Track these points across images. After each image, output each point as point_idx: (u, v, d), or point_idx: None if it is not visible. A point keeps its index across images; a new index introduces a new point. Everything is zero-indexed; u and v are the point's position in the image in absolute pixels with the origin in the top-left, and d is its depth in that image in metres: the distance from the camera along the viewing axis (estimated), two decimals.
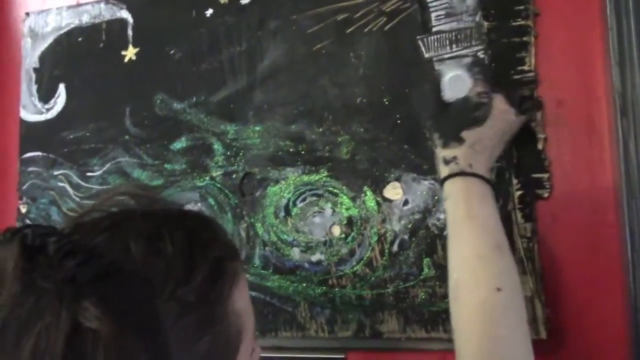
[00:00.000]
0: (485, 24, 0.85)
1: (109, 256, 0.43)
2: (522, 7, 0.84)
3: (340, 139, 0.90)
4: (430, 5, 0.88)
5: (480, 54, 0.85)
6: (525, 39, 0.84)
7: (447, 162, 0.74)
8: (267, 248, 0.92)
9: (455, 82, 0.76)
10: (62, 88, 1.07)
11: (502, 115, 0.75)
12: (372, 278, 0.87)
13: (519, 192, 0.82)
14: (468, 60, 0.82)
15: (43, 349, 0.39)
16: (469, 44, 0.85)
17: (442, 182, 0.74)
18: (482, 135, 0.74)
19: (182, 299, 0.44)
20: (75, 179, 1.05)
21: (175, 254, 0.46)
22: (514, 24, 0.84)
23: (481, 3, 0.85)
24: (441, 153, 0.75)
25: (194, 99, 0.98)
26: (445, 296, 0.82)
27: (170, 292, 0.44)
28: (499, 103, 0.76)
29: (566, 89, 0.82)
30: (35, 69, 1.10)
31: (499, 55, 0.84)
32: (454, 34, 0.86)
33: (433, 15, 0.88)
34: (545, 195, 0.81)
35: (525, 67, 0.83)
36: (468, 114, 0.75)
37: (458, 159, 0.73)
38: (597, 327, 0.79)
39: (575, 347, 0.80)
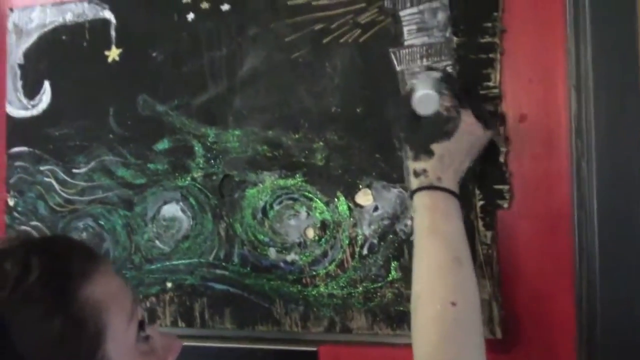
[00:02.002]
0: (455, 39, 0.89)
1: None
2: (489, 25, 0.88)
3: (315, 146, 0.95)
4: (403, 19, 0.91)
5: (449, 69, 0.89)
6: (491, 55, 0.88)
7: (417, 174, 0.78)
8: (245, 247, 0.98)
9: (425, 100, 0.79)
10: (47, 85, 1.10)
11: (470, 129, 0.79)
12: (343, 278, 0.93)
13: (480, 202, 0.87)
14: (437, 74, 0.85)
15: None
16: (438, 58, 0.90)
17: (411, 194, 0.79)
18: (451, 148, 0.78)
19: (22, 296, 0.56)
20: (62, 175, 1.09)
21: (13, 268, 0.57)
22: (481, 40, 0.88)
23: (451, 19, 0.89)
24: (412, 165, 0.80)
25: (176, 102, 1.02)
26: (409, 297, 0.88)
27: (8, 293, 0.55)
28: (467, 117, 0.80)
29: (528, 105, 0.87)
30: (20, 65, 1.13)
31: (467, 70, 0.88)
32: (424, 48, 0.90)
33: (405, 29, 0.91)
34: (505, 205, 0.87)
35: (491, 83, 0.88)
36: (437, 127, 0.79)
37: (427, 171, 0.77)
38: (548, 327, 0.86)
39: (529, 345, 0.86)
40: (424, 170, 0.78)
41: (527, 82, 0.88)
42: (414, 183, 0.80)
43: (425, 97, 0.79)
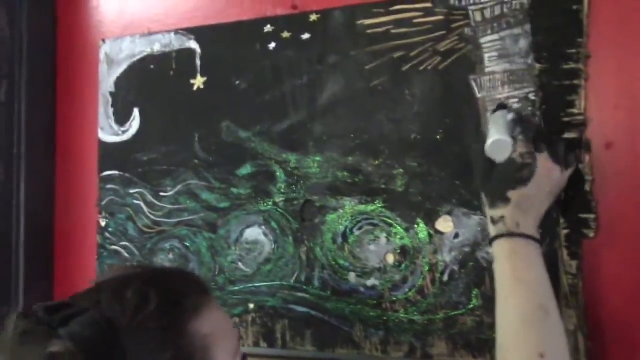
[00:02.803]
0: (538, 66, 0.88)
1: (81, 306, 0.59)
2: (574, 51, 0.87)
3: (395, 172, 0.96)
4: (483, 46, 0.91)
5: (532, 96, 0.88)
6: (575, 82, 0.87)
7: (494, 222, 0.78)
8: (325, 271, 1.00)
9: (498, 146, 0.79)
10: (136, 112, 1.16)
11: (548, 174, 0.78)
12: (424, 304, 0.93)
13: (565, 231, 0.86)
14: (511, 116, 0.84)
15: None
16: (520, 85, 0.89)
17: (490, 242, 0.79)
18: (528, 194, 0.77)
19: (139, 326, 0.59)
20: (150, 197, 1.14)
21: (133, 295, 0.60)
22: (565, 67, 0.87)
23: (534, 45, 0.88)
24: (489, 213, 0.80)
25: (258, 128, 1.05)
26: (492, 325, 0.88)
27: (128, 322, 0.58)
28: (544, 162, 0.78)
29: (615, 132, 0.85)
30: (111, 93, 1.19)
31: (550, 97, 0.87)
32: (506, 75, 0.90)
33: (486, 56, 0.91)
34: (591, 235, 0.85)
35: (575, 110, 0.86)
36: (513, 175, 0.78)
37: (505, 218, 0.77)
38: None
39: None
40: (502, 217, 0.77)
41: (613, 109, 0.86)
42: (492, 230, 0.79)
43: (498, 144, 0.78)
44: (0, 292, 1.20)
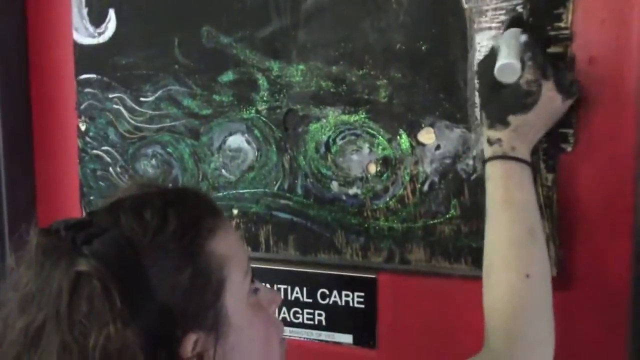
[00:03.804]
0: None
1: (101, 225, 0.61)
2: None
3: (379, 83, 0.95)
4: None
5: (519, 8, 0.87)
6: None
7: (491, 142, 0.79)
8: (308, 180, 1.02)
9: (507, 69, 0.77)
10: (112, 13, 1.12)
11: (550, 102, 0.79)
12: (404, 213, 0.97)
13: (544, 145, 0.88)
14: (523, 38, 0.81)
15: (59, 297, 0.57)
16: None
17: (484, 162, 0.81)
18: (528, 120, 0.78)
19: (159, 246, 0.60)
20: (130, 102, 1.12)
21: (152, 216, 0.62)
22: None
23: None
24: (486, 133, 0.81)
25: (240, 34, 1.02)
26: (468, 234, 0.92)
27: (148, 242, 0.60)
28: (548, 91, 0.78)
29: (599, 48, 0.85)
30: None
31: (537, 10, 0.86)
32: None
33: None
34: (569, 149, 0.88)
35: (562, 24, 0.85)
36: (517, 100, 0.78)
37: (502, 141, 0.78)
38: (603, 269, 0.89)
39: (583, 285, 0.90)
40: (499, 140, 0.79)
41: (600, 23, 0.85)
42: (488, 151, 0.80)
43: (507, 67, 0.77)
44: None
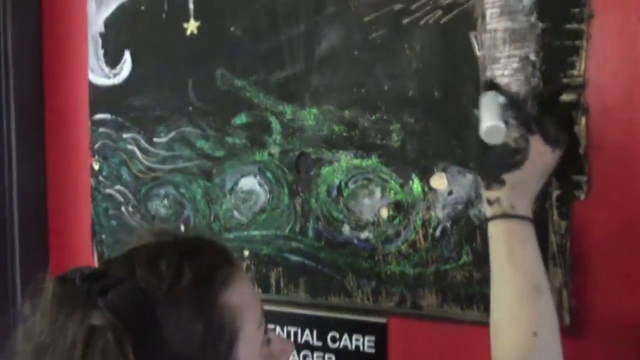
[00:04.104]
0: (540, 24, 0.87)
1: (117, 276, 0.62)
2: (577, 10, 0.85)
3: (391, 128, 0.96)
4: (486, 1, 0.89)
5: (532, 56, 0.88)
6: (577, 42, 0.86)
7: (490, 202, 0.80)
8: (320, 223, 1.02)
9: (491, 132, 0.78)
10: (127, 55, 1.14)
11: (540, 155, 0.80)
12: (415, 258, 0.96)
13: (557, 192, 0.88)
14: (502, 100, 0.83)
15: (73, 348, 0.57)
16: (521, 44, 0.88)
17: (486, 221, 0.81)
18: (523, 176, 0.79)
19: (173, 299, 0.61)
20: (143, 143, 1.13)
21: (168, 268, 0.62)
22: (568, 26, 0.86)
23: (537, 4, 0.87)
24: (485, 194, 0.81)
25: (254, 77, 1.04)
26: (480, 280, 0.92)
27: (163, 295, 0.61)
28: (536, 145, 0.79)
29: (612, 95, 0.86)
30: (101, 34, 1.16)
31: (550, 58, 0.87)
32: (508, 33, 0.89)
33: (488, 12, 0.90)
34: (582, 196, 0.87)
35: (575, 72, 0.86)
36: (507, 159, 0.79)
37: (501, 200, 0.79)
38: (618, 318, 0.88)
39: (596, 334, 0.89)
40: (498, 199, 0.79)
41: (612, 71, 0.86)
42: (488, 211, 0.81)
43: (493, 129, 0.78)
44: None
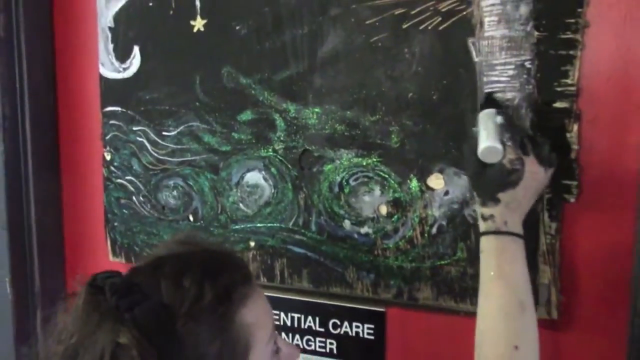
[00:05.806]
0: (536, 33, 0.90)
1: (144, 291, 0.67)
2: (573, 20, 0.88)
3: (391, 129, 0.99)
4: (484, 9, 0.92)
5: (527, 64, 0.90)
6: (571, 52, 0.89)
7: (484, 218, 0.83)
8: (322, 217, 1.06)
9: (488, 152, 0.82)
10: (136, 50, 1.17)
11: (534, 176, 0.83)
12: (412, 253, 1.01)
13: (547, 195, 0.92)
14: (499, 119, 0.85)
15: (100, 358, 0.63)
16: (517, 52, 0.91)
17: (479, 235, 0.85)
18: (517, 195, 0.82)
19: (194, 316, 0.66)
20: (153, 136, 1.17)
21: (190, 285, 0.67)
22: (563, 36, 0.89)
23: (534, 13, 0.89)
24: (480, 210, 0.85)
25: (259, 76, 1.07)
26: (474, 275, 0.96)
27: (185, 312, 0.65)
28: (530, 165, 0.83)
29: (604, 103, 0.89)
30: (110, 28, 1.19)
31: (545, 66, 0.90)
32: (504, 40, 0.91)
33: (486, 20, 0.92)
34: (572, 200, 0.91)
35: (569, 80, 0.89)
36: (503, 179, 0.82)
37: (495, 217, 0.82)
38: (602, 313, 0.93)
39: (582, 328, 0.94)
40: (492, 216, 0.83)
41: (605, 80, 0.89)
42: (482, 226, 0.85)
43: (490, 150, 0.82)
44: (14, 213, 1.26)
